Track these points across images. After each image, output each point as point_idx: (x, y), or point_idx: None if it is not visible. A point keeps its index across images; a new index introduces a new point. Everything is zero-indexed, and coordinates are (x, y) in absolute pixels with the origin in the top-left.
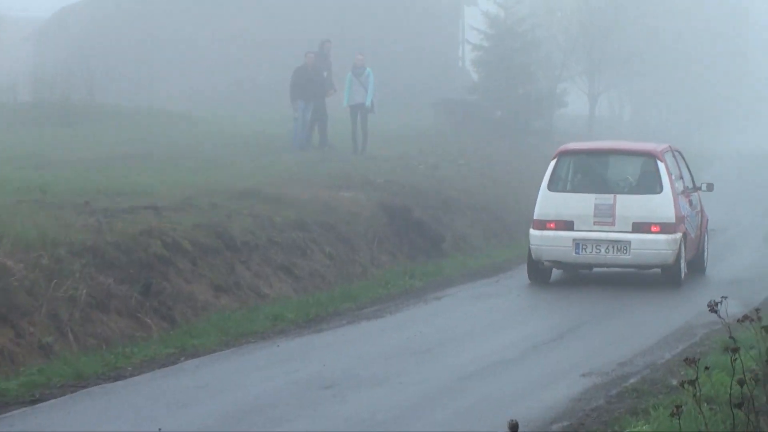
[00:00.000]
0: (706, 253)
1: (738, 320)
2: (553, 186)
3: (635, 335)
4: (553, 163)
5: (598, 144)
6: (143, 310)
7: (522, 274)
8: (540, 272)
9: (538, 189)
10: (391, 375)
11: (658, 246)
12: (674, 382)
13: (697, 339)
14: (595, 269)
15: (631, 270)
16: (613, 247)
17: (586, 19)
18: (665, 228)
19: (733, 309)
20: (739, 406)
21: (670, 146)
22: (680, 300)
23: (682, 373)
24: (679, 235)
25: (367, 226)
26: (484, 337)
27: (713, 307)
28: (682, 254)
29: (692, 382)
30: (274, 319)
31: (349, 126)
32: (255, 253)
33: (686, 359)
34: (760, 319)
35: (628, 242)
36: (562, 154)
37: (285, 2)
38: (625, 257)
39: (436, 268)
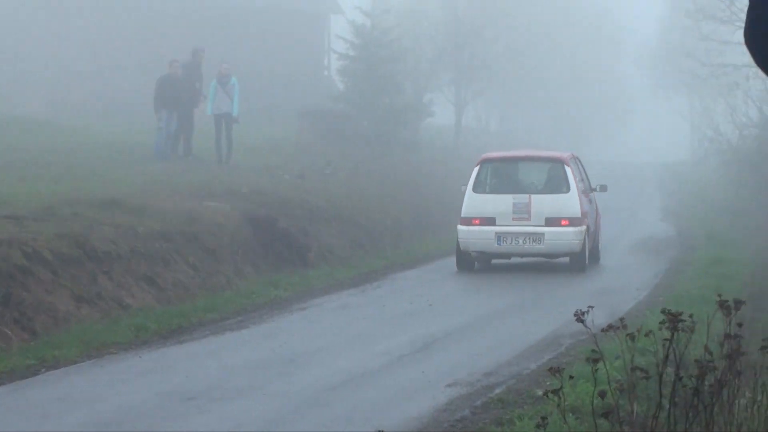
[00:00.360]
0: (600, 245)
1: (602, 330)
2: (476, 188)
3: (502, 345)
4: (476, 169)
5: (514, 153)
6: (3, 321)
7: (388, 283)
8: (467, 262)
9: (463, 191)
10: (255, 386)
11: (567, 237)
12: (539, 393)
13: (563, 349)
14: (514, 259)
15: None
16: (529, 238)
17: (453, 28)
18: (573, 221)
19: (599, 319)
20: (605, 416)
21: (572, 154)
22: (547, 309)
23: (548, 383)
24: (584, 227)
25: (231, 237)
26: (349, 348)
27: (579, 317)
28: (587, 244)
29: (556, 392)
30: (137, 330)
31: (213, 136)
32: (117, 264)
33: (550, 369)
34: (625, 327)
35: (542, 234)
36: (484, 162)
37: (150, 11)
38: (539, 247)
39: (301, 278)
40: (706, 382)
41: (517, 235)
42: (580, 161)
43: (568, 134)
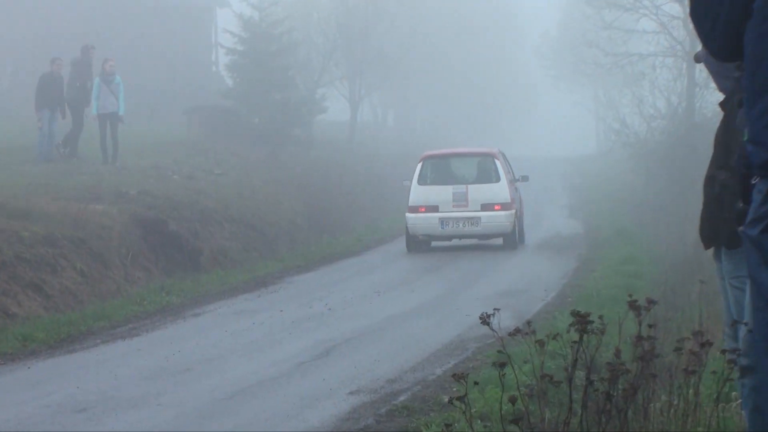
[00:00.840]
0: (522, 227)
1: (510, 333)
2: (421, 181)
3: (405, 350)
4: (419, 165)
5: (451, 150)
6: None
7: (285, 287)
8: (416, 245)
9: (407, 185)
10: (149, 396)
11: (500, 219)
12: (446, 399)
13: (470, 353)
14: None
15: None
16: (468, 221)
17: (344, 20)
18: (504, 206)
19: (506, 321)
20: (515, 422)
21: (499, 149)
22: (452, 312)
23: (454, 389)
24: (513, 211)
25: (120, 241)
26: (246, 355)
27: (485, 320)
28: (516, 225)
29: (462, 399)
30: (24, 339)
31: (97, 136)
32: (1, 271)
33: (455, 375)
34: (534, 332)
35: (479, 218)
36: (426, 158)
37: (30, 5)
38: (477, 229)
39: (194, 283)
40: (620, 386)
41: (457, 219)
42: (504, 155)
43: (471, 128)
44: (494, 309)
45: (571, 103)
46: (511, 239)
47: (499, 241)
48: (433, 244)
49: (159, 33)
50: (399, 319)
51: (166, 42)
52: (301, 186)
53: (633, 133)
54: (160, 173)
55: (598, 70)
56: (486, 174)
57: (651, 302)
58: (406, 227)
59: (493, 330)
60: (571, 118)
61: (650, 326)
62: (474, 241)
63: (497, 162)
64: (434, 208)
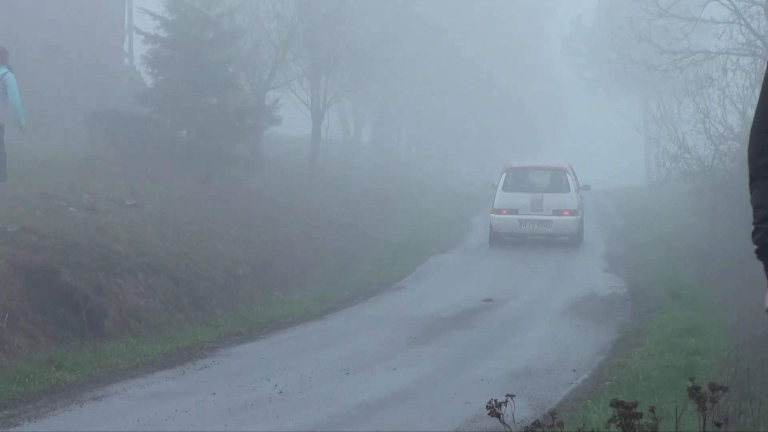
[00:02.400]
0: (583, 230)
1: (527, 429)
2: (505, 188)
3: None
4: (504, 174)
5: (530, 163)
6: None
7: (220, 361)
8: (498, 239)
9: (495, 189)
10: None
11: (568, 223)
12: None
13: None
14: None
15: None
16: (542, 223)
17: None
18: (572, 212)
19: (521, 412)
20: None
21: (569, 165)
22: (447, 398)
23: None
24: (579, 216)
25: None
26: None
27: (494, 410)
28: (582, 228)
29: None
30: None
31: None
32: None
33: None
34: (559, 426)
35: (551, 220)
36: (509, 169)
37: None
38: (549, 230)
39: (95, 354)
40: None
41: (533, 221)
42: (573, 168)
43: (476, 146)
44: (506, 395)
45: (611, 116)
46: (577, 239)
47: (510, 305)
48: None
49: (56, 17)
50: (375, 408)
51: (64, 28)
52: (244, 224)
53: (696, 159)
54: (50, 204)
55: (649, 72)
56: (558, 185)
57: (719, 389)
58: (491, 226)
59: (504, 424)
60: (611, 135)
61: (718, 424)
62: (474, 302)
63: (568, 175)
64: (515, 211)
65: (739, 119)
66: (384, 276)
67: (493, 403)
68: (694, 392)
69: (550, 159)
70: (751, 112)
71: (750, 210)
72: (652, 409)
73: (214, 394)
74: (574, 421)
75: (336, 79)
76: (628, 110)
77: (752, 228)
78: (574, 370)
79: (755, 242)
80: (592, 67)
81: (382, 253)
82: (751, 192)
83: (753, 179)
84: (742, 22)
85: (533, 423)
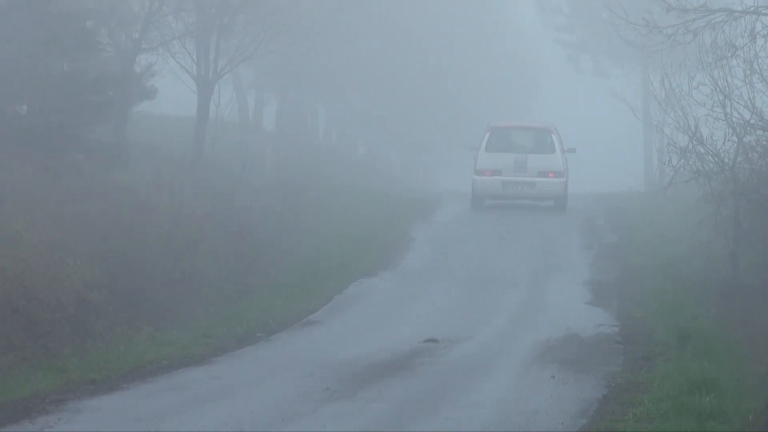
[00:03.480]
0: (567, 195)
1: None
2: (488, 148)
3: None
4: (487, 134)
5: (514, 123)
6: None
7: (74, 419)
8: (480, 204)
9: (477, 150)
10: None
11: (553, 185)
12: None
13: None
14: None
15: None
16: (526, 185)
17: None
18: (557, 174)
19: None
20: None
21: (554, 125)
22: None
23: None
24: (564, 178)
25: None
26: None
27: None
28: (567, 191)
29: None
30: None
31: None
32: None
33: None
34: None
35: (535, 182)
36: (492, 129)
37: None
38: (533, 192)
39: None
40: None
41: (517, 183)
42: (557, 129)
43: (422, 142)
44: None
45: (600, 95)
46: (562, 203)
47: (460, 348)
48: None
49: None
50: None
51: None
52: (103, 233)
53: (713, 154)
54: None
55: (651, 36)
56: (543, 145)
57: None
58: (473, 188)
59: None
60: (600, 120)
61: None
62: (412, 344)
63: (553, 136)
64: (498, 172)
65: None
66: (291, 306)
67: None
68: None
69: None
70: None
71: None
72: None
73: None
74: None
75: (232, 40)
76: (622, 88)
77: None
78: None
79: None
80: (576, 30)
81: (290, 275)
82: None
83: None
84: None
85: None
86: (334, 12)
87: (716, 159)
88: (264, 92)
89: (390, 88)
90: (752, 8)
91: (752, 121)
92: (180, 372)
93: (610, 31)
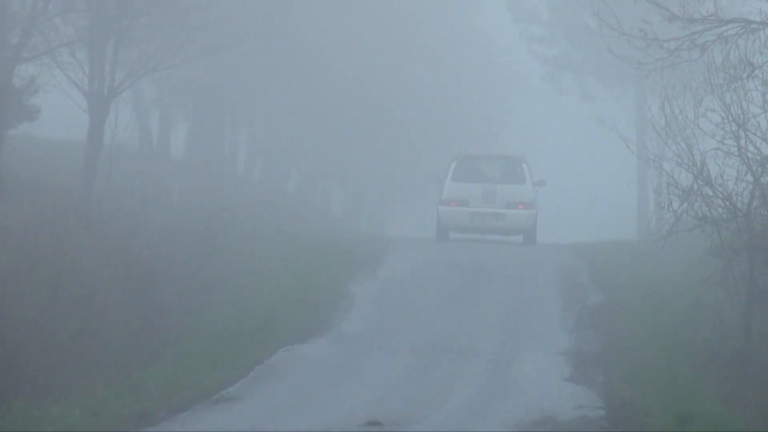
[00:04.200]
0: (536, 229)
1: None
2: (455, 178)
3: None
4: (454, 163)
5: (484, 151)
6: None
7: None
8: (445, 236)
9: (442, 180)
10: None
11: (523, 217)
12: None
13: None
14: None
15: None
16: (494, 217)
17: None
18: (527, 206)
19: None
20: None
21: (524, 155)
22: None
23: None
24: (535, 210)
25: None
26: None
27: None
28: (536, 224)
29: None
30: None
31: None
32: None
33: None
34: None
35: (504, 214)
36: (460, 157)
37: None
38: (502, 224)
39: None
40: None
41: (485, 214)
42: (527, 160)
43: (366, 177)
44: None
45: (585, 122)
46: (531, 236)
47: None
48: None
49: None
50: None
51: None
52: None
53: (723, 197)
54: None
55: (650, 51)
56: (513, 176)
57: None
58: (438, 219)
59: None
60: (584, 153)
61: None
62: (351, 428)
63: (523, 165)
64: (465, 203)
65: None
66: (202, 377)
67: None
68: None
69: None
70: None
71: None
72: None
73: None
74: None
75: (133, 49)
76: (613, 114)
77: None
78: None
79: None
80: (557, 42)
81: (202, 339)
82: None
83: None
84: None
85: None
86: (264, 17)
87: (727, 203)
88: (171, 112)
89: (329, 111)
90: None
91: None
92: None
93: (599, 44)
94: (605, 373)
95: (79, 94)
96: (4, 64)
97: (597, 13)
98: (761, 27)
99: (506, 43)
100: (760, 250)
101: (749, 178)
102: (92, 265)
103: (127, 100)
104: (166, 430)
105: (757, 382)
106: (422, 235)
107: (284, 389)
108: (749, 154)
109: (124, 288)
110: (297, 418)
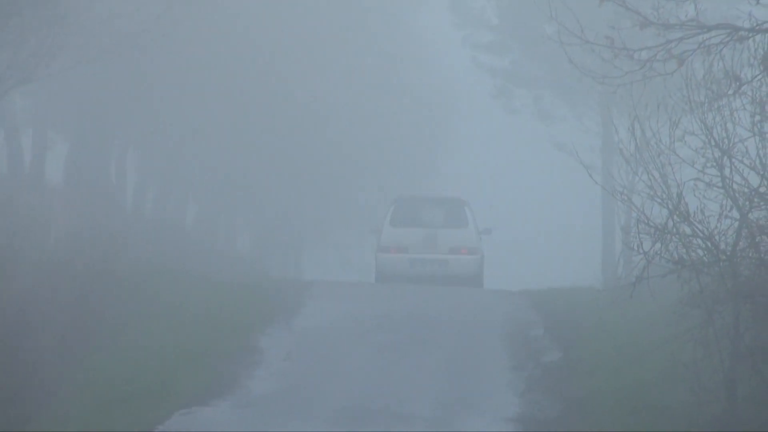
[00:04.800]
0: (483, 275)
1: None
2: (393, 223)
3: None
4: (392, 207)
5: (424, 194)
6: None
7: None
8: (386, 280)
9: (381, 226)
10: None
11: (467, 263)
12: None
13: None
14: None
15: None
16: (437, 263)
17: None
18: (471, 251)
19: None
20: None
21: (467, 199)
22: None
23: None
24: (480, 255)
25: None
26: None
27: None
28: (482, 268)
29: None
30: None
31: None
32: None
33: None
34: None
35: (447, 260)
36: (399, 200)
37: None
38: (445, 270)
39: None
40: None
41: (426, 261)
42: (469, 204)
43: (297, 212)
44: None
45: (541, 146)
46: (477, 281)
47: None
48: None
49: None
50: None
51: None
52: None
53: (704, 237)
54: None
55: (618, 62)
56: (455, 219)
57: None
58: (376, 267)
59: None
60: (538, 183)
61: None
62: None
63: (466, 208)
64: (404, 250)
65: None
66: None
67: None
68: None
69: (445, 190)
70: None
71: None
72: None
73: None
74: None
75: (1, 54)
76: (574, 137)
77: None
78: None
79: None
80: (510, 51)
81: (82, 402)
82: None
83: None
84: None
85: None
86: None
87: (708, 243)
88: (48, 131)
89: (236, 134)
90: (764, 24)
91: (762, 190)
92: None
93: (558, 55)
94: None
95: None
96: None
97: (555, 17)
98: (750, 35)
99: (449, 52)
100: (747, 299)
101: (735, 214)
102: None
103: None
104: None
105: None
106: (346, 278)
107: None
108: (735, 186)
109: None
110: None
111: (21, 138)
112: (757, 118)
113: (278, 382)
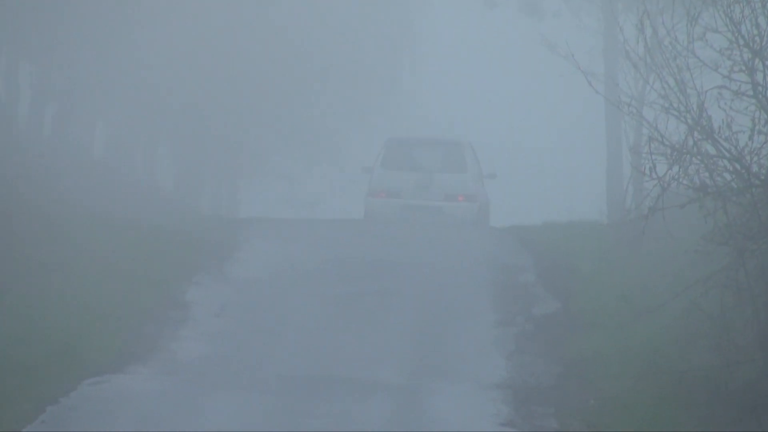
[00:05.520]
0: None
1: None
2: (385, 165)
3: None
4: (383, 149)
5: (419, 135)
6: None
7: None
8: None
9: (372, 168)
10: None
11: (464, 211)
12: None
13: None
14: None
15: None
16: (430, 211)
17: None
18: (469, 198)
19: None
20: None
21: (468, 141)
22: None
23: None
24: (477, 203)
25: None
26: None
27: None
28: (484, 217)
29: None
30: None
31: None
32: None
33: None
34: None
35: (441, 207)
36: (391, 142)
37: None
38: (439, 219)
39: None
40: None
41: (418, 207)
42: (473, 147)
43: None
44: None
45: (530, 49)
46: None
47: None
48: None
49: None
50: None
51: None
52: None
53: (730, 158)
54: None
55: None
56: (452, 163)
57: None
58: (365, 212)
59: None
60: (527, 98)
61: None
62: None
63: (464, 152)
64: (396, 194)
65: None
66: None
67: None
68: None
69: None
70: None
71: None
72: None
73: None
74: None
75: None
76: (570, 35)
77: None
78: None
79: None
80: None
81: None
82: None
83: None
84: None
85: None
86: None
87: (737, 165)
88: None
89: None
90: None
91: None
92: None
93: None
94: (559, 416)
95: None
96: None
97: None
98: None
99: None
100: None
101: (763, 134)
102: None
103: None
104: None
105: None
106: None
107: None
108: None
109: None
110: None
111: None
112: None
113: (208, 344)
